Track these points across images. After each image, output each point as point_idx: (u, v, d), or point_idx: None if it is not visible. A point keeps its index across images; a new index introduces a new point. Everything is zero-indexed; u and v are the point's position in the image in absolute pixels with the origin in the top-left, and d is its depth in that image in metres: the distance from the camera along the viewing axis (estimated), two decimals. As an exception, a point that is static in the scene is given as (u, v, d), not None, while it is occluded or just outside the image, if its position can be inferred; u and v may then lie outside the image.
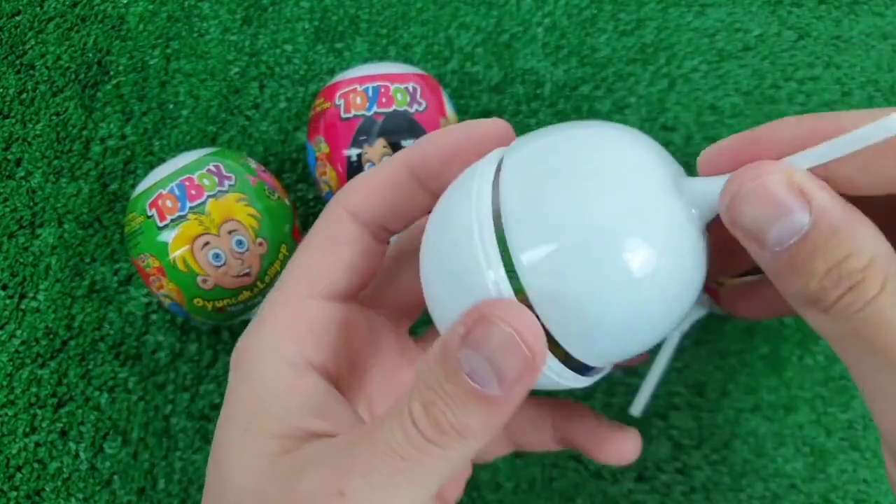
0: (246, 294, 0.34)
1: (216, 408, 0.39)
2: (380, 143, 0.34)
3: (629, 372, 0.39)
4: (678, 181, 0.18)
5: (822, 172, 0.17)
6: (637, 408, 0.38)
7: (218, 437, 0.21)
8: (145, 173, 0.42)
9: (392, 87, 0.35)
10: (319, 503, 0.18)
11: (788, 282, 0.17)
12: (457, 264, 0.18)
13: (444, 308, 0.19)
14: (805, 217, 0.16)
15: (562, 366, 0.19)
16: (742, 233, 0.17)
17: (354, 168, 0.35)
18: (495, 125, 0.21)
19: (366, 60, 0.45)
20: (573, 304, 0.17)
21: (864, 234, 0.16)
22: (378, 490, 0.17)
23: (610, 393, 0.39)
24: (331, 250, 0.22)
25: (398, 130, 0.35)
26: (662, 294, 0.17)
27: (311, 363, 0.21)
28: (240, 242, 0.33)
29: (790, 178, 0.16)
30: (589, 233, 0.17)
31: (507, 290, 0.17)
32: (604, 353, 0.19)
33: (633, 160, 0.18)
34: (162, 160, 0.43)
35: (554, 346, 0.18)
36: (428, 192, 0.22)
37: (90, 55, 0.46)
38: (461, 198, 0.19)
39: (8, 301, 0.40)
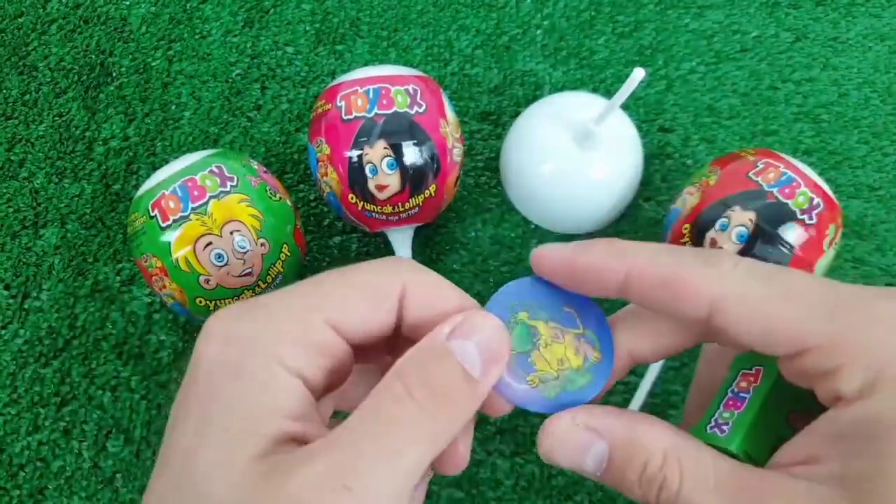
0: (248, 294, 0.34)
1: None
2: (380, 145, 0.35)
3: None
4: None
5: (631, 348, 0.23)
6: (635, 406, 0.38)
7: (184, 435, 0.19)
8: (148, 174, 0.43)
9: (393, 89, 0.35)
10: (322, 499, 0.18)
11: (624, 492, 0.20)
12: None
13: None
14: (602, 444, 0.20)
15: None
16: (573, 469, 0.21)
17: (355, 169, 0.35)
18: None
19: (366, 63, 0.46)
20: None
21: (651, 436, 0.20)
22: (382, 476, 0.18)
23: (607, 391, 0.39)
24: (368, 297, 0.22)
25: (398, 132, 0.35)
26: None
27: (304, 376, 0.21)
28: (242, 243, 0.33)
29: (574, 423, 0.21)
30: None
31: None
32: None
33: None
34: (164, 161, 0.43)
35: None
36: None
37: (93, 57, 0.46)
38: None
39: (11, 300, 0.41)
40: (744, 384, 0.22)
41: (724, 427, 0.22)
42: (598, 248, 0.22)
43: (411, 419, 0.19)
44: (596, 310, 0.23)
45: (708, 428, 0.22)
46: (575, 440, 0.21)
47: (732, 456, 0.21)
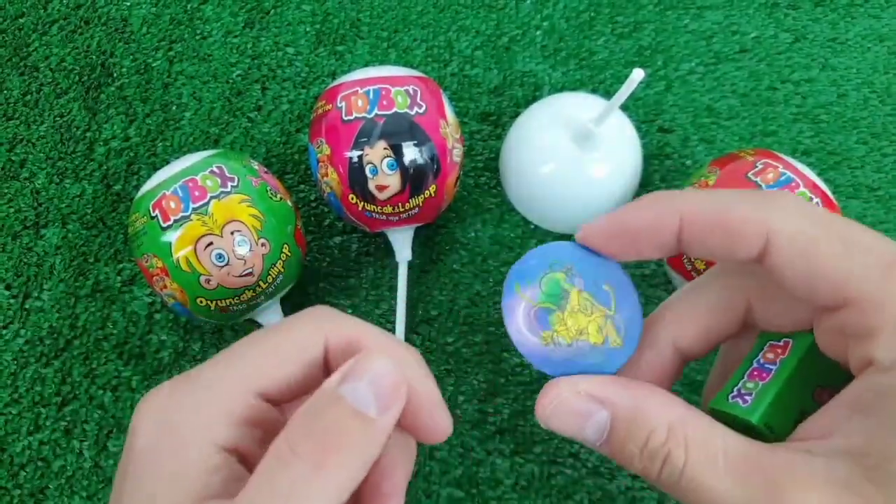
0: (248, 294, 0.34)
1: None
2: (380, 145, 0.35)
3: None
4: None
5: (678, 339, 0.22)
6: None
7: None
8: (149, 174, 0.43)
9: (393, 90, 0.35)
10: None
11: (624, 465, 0.19)
12: None
13: None
14: (604, 413, 0.19)
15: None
16: (571, 437, 0.20)
17: (356, 169, 0.35)
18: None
19: (367, 63, 0.46)
20: None
21: (656, 407, 0.19)
22: None
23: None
24: (292, 359, 0.22)
25: (399, 132, 0.35)
26: None
27: (240, 452, 0.21)
28: (242, 243, 0.33)
29: (576, 390, 0.20)
30: None
31: None
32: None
33: None
34: (165, 162, 0.43)
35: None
36: None
37: (94, 57, 0.46)
38: None
39: (12, 301, 0.41)
40: (770, 355, 0.22)
41: (747, 397, 0.21)
42: (647, 202, 0.21)
43: (300, 477, 0.18)
44: (634, 299, 0.22)
45: (730, 397, 0.21)
46: (576, 407, 0.20)
47: (752, 428, 0.20)
